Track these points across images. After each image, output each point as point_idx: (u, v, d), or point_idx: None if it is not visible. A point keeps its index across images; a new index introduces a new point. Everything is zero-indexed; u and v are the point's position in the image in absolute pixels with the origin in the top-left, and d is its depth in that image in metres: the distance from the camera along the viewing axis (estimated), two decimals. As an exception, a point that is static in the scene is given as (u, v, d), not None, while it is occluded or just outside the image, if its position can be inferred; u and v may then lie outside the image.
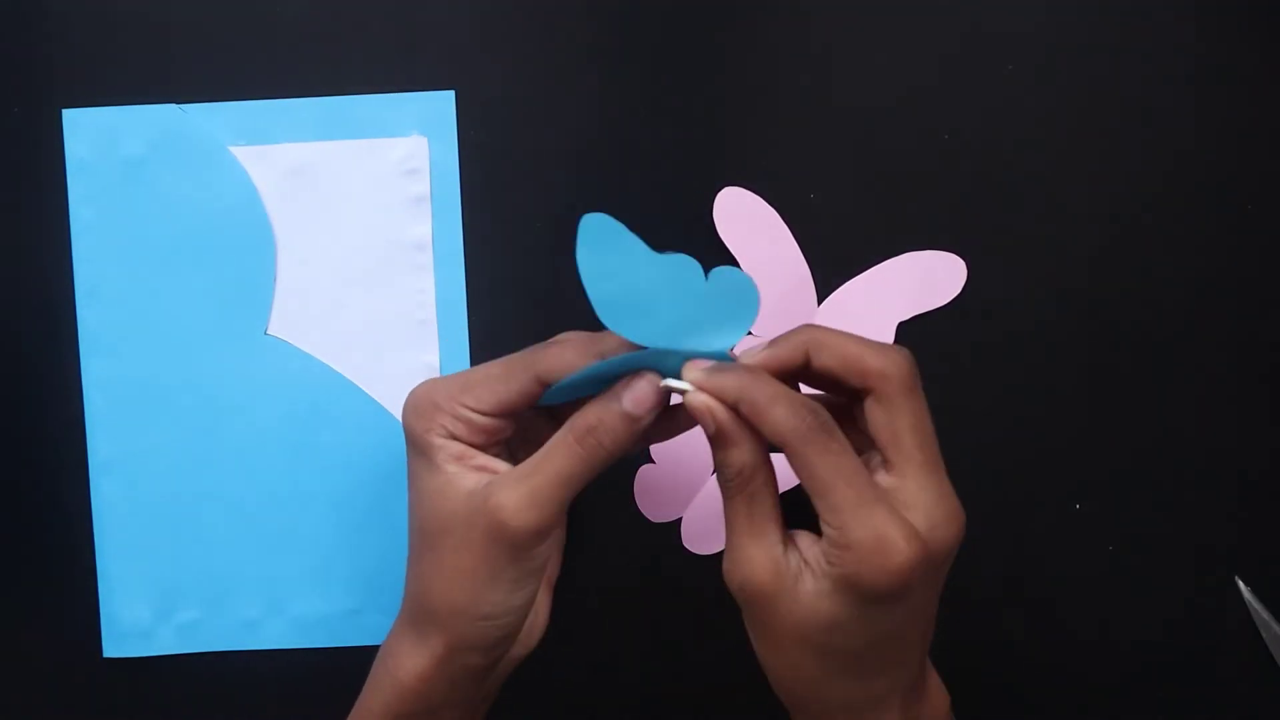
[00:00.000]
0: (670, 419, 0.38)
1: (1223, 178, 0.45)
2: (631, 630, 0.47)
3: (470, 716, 0.41)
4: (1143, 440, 0.46)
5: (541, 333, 0.35)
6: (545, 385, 0.36)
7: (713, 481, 0.46)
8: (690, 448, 0.46)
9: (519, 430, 0.39)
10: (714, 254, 0.45)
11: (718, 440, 0.35)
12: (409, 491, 0.39)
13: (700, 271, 0.34)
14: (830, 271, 0.45)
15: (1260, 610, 0.46)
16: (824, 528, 0.33)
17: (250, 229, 0.45)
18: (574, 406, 0.37)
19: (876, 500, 0.33)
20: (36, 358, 0.46)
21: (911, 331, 0.45)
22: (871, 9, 0.45)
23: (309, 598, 0.46)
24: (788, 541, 0.35)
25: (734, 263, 0.45)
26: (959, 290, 0.45)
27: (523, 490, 0.35)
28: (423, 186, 0.45)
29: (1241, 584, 0.46)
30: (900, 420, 0.34)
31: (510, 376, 0.37)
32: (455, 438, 0.37)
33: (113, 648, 0.46)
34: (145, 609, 0.46)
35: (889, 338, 0.45)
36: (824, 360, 0.35)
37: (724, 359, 0.35)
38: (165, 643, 0.46)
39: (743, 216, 0.45)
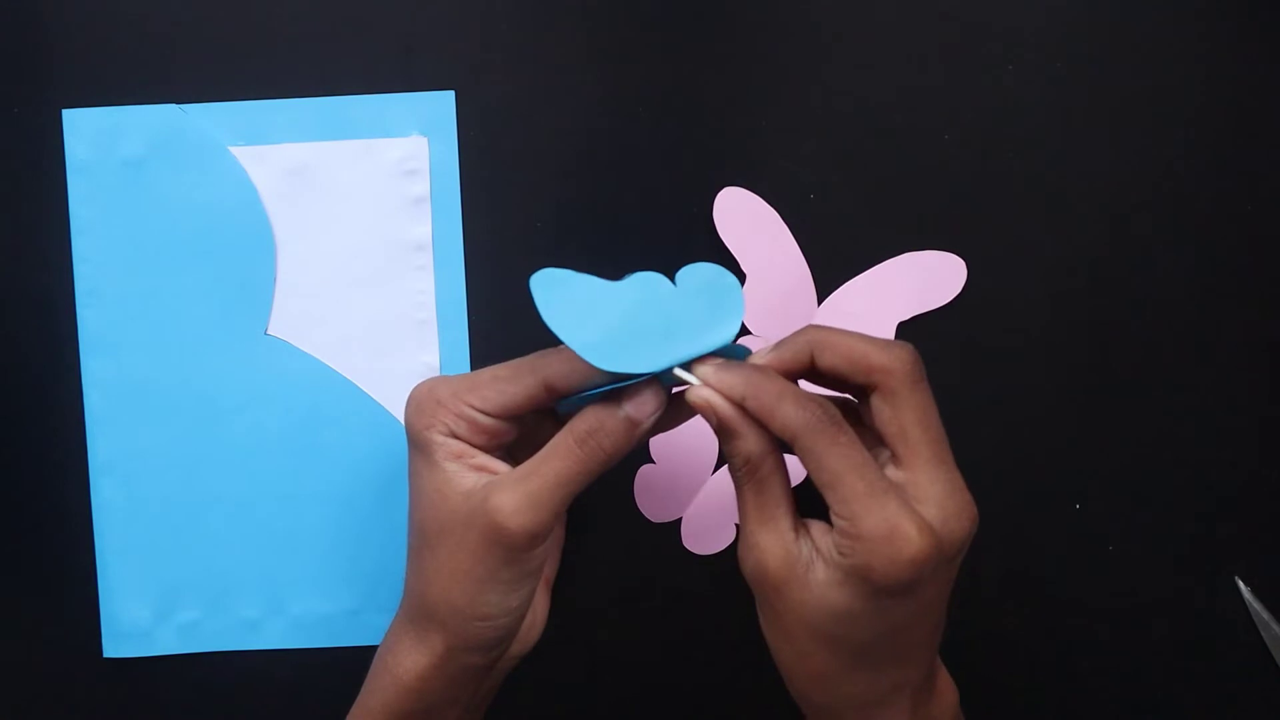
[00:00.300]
0: (672, 410, 0.38)
1: (1223, 178, 0.45)
2: (632, 630, 0.47)
3: (469, 715, 0.41)
4: (1142, 440, 0.46)
5: (542, 333, 0.35)
6: (552, 390, 0.36)
7: (713, 481, 0.46)
8: (690, 448, 0.46)
9: (520, 434, 0.39)
10: (714, 254, 0.45)
11: (722, 432, 0.35)
12: (409, 489, 0.39)
13: (664, 281, 0.35)
14: (830, 271, 0.45)
15: (1260, 610, 0.46)
16: (835, 519, 0.34)
17: (250, 229, 0.45)
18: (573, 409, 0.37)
19: (887, 491, 0.33)
20: (36, 358, 0.46)
21: (911, 331, 0.45)
22: (872, 9, 0.45)
23: (309, 598, 0.46)
24: (800, 530, 0.35)
25: (734, 262, 0.45)
26: (959, 290, 0.45)
27: (521, 492, 0.35)
28: (423, 187, 0.45)
29: (1241, 584, 0.46)
30: (906, 414, 0.35)
31: (517, 379, 0.37)
32: (456, 436, 0.37)
33: (113, 648, 0.46)
34: (145, 609, 0.46)
35: (889, 338, 0.45)
36: (828, 359, 0.35)
37: (736, 350, 0.36)
38: (165, 643, 0.46)
39: (743, 216, 0.45)
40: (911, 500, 0.34)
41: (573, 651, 0.46)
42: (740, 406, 0.34)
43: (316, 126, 0.45)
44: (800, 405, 0.34)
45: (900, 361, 0.35)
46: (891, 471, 0.35)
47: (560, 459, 0.36)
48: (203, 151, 0.45)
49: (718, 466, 0.46)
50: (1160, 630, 0.46)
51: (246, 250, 0.45)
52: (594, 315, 0.34)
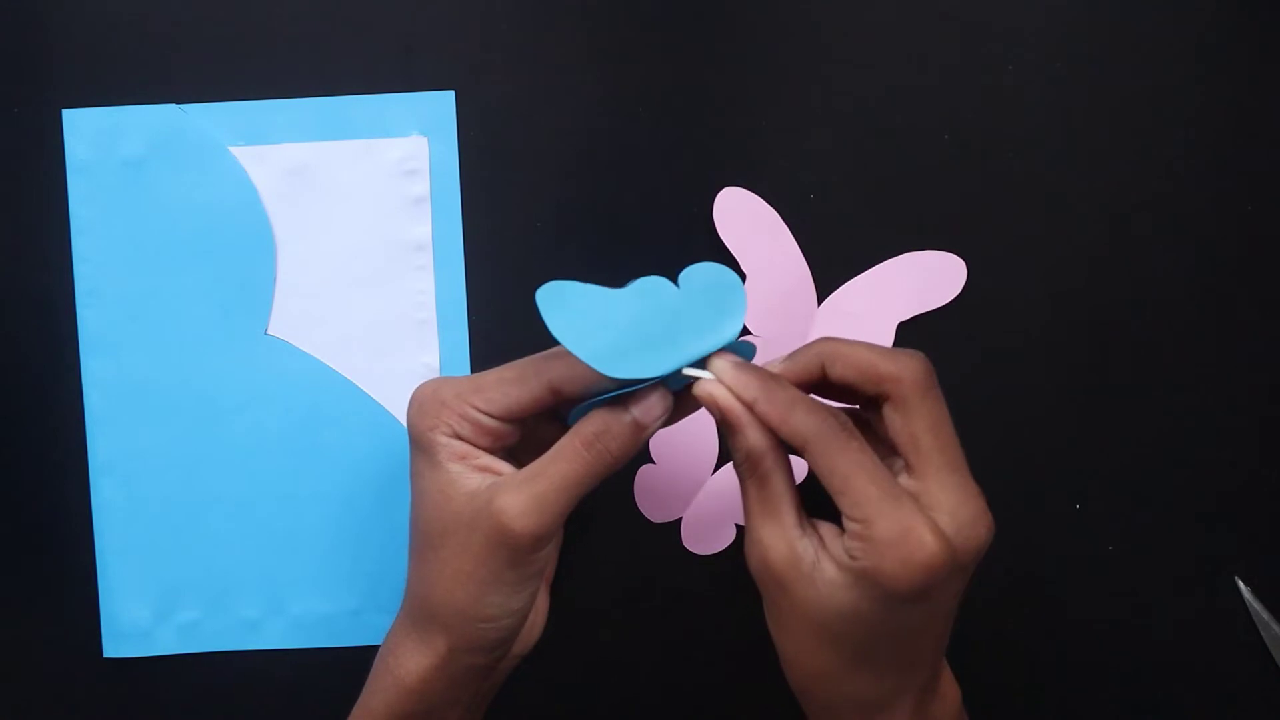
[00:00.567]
0: (677, 405, 0.38)
1: (1223, 178, 0.45)
2: (632, 631, 0.47)
3: (470, 716, 0.41)
4: (1142, 440, 0.46)
5: (542, 333, 0.35)
6: (557, 392, 0.36)
7: (713, 481, 0.46)
8: (690, 448, 0.46)
9: (523, 437, 0.39)
10: (714, 254, 0.45)
11: (724, 427, 0.35)
12: (411, 490, 0.39)
13: (667, 284, 0.35)
14: (830, 271, 0.45)
15: (1260, 610, 0.46)
16: (847, 524, 0.33)
17: (250, 229, 0.45)
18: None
19: (900, 496, 0.33)
20: (36, 358, 0.46)
21: (911, 331, 0.45)
22: (872, 9, 0.45)
23: (309, 598, 0.46)
24: (806, 527, 0.35)
25: (734, 262, 0.45)
26: (959, 290, 0.45)
27: (527, 494, 0.35)
28: (423, 187, 0.45)
29: (1241, 584, 0.46)
30: (918, 422, 0.35)
31: (523, 381, 0.37)
32: (460, 437, 0.37)
33: (113, 648, 0.46)
34: (145, 609, 0.46)
35: (889, 338, 0.45)
36: (839, 371, 0.35)
37: (740, 347, 0.36)
38: (165, 643, 0.46)
39: (743, 216, 0.45)
40: (925, 509, 0.33)
41: (573, 651, 0.46)
42: (745, 404, 0.35)
43: (316, 126, 0.45)
44: (811, 411, 0.34)
45: (911, 370, 0.35)
46: (904, 480, 0.35)
47: (567, 461, 0.36)
48: (203, 151, 0.45)
49: (718, 467, 0.46)
50: (1160, 630, 0.46)
51: (246, 250, 0.45)
52: (600, 324, 0.34)
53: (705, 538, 0.46)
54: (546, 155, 0.45)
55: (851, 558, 0.33)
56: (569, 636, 0.46)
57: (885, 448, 0.36)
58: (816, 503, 0.36)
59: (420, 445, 0.37)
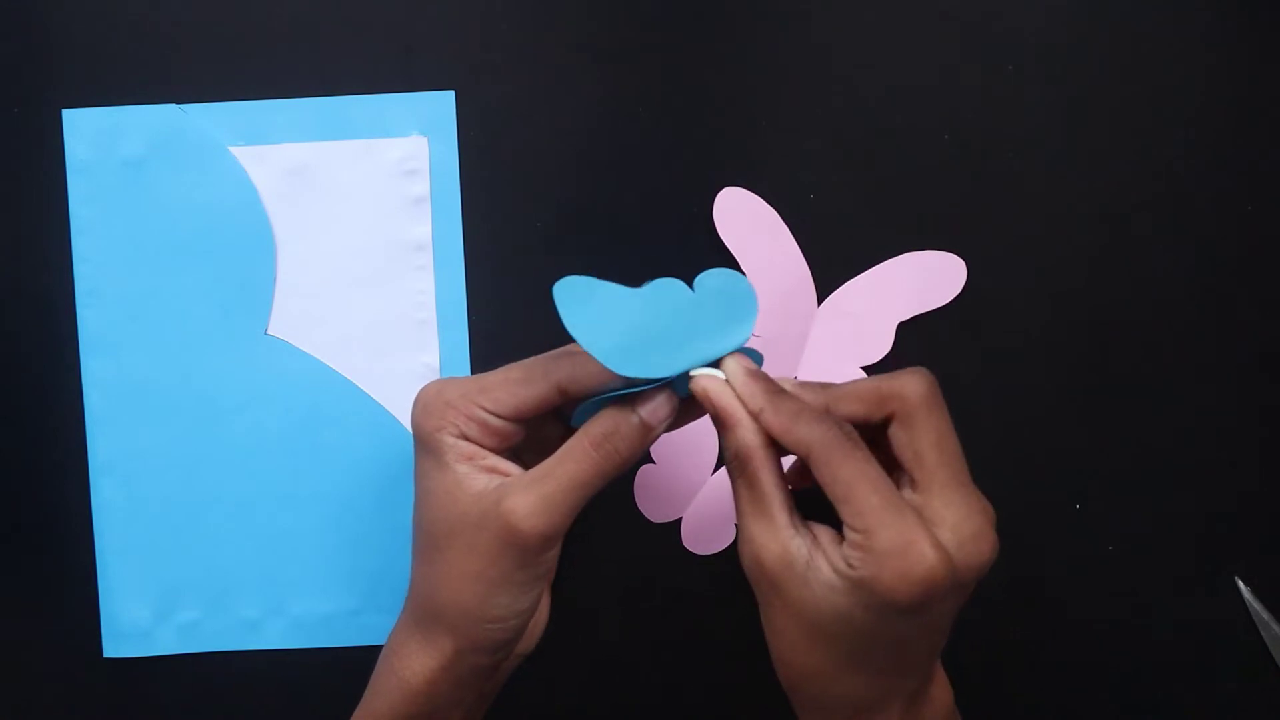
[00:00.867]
0: (682, 409, 0.38)
1: (1223, 178, 0.45)
2: (632, 630, 0.47)
3: (472, 716, 0.41)
4: (1142, 440, 0.46)
5: (542, 333, 0.35)
6: (564, 392, 0.37)
7: (713, 481, 0.46)
8: (690, 448, 0.46)
9: (527, 436, 0.39)
10: (714, 254, 0.45)
11: (716, 423, 0.35)
12: (416, 491, 0.38)
13: (683, 287, 0.35)
14: (830, 271, 0.45)
15: (1260, 610, 0.46)
16: (848, 533, 0.33)
17: (250, 229, 0.45)
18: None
19: (903, 508, 0.33)
20: (36, 358, 0.46)
21: (911, 331, 0.45)
22: (872, 9, 0.45)
23: (309, 598, 0.46)
24: (799, 527, 0.35)
25: (734, 262, 0.45)
26: (959, 290, 0.45)
27: (536, 494, 0.35)
28: (423, 187, 0.45)
29: (1241, 584, 0.46)
30: (922, 438, 0.35)
31: (530, 381, 0.37)
32: (466, 438, 0.37)
33: (113, 648, 0.46)
34: (145, 609, 0.46)
35: (889, 338, 0.45)
36: (845, 408, 0.36)
37: (748, 355, 0.36)
38: (165, 643, 0.46)
39: (743, 216, 0.45)
40: (927, 523, 0.33)
41: (573, 651, 0.46)
42: (751, 412, 0.35)
43: (316, 126, 0.45)
44: (816, 420, 0.34)
45: (914, 385, 0.35)
46: (908, 495, 0.35)
47: (575, 462, 0.36)
48: (203, 151, 0.45)
49: (718, 467, 0.46)
50: (1160, 630, 0.46)
51: (246, 250, 0.45)
52: (614, 322, 0.35)
53: (705, 538, 0.46)
54: (546, 155, 0.45)
55: (850, 566, 0.33)
56: (569, 636, 0.46)
57: (891, 469, 0.35)
58: (819, 512, 0.36)
59: (426, 446, 0.37)
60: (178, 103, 0.45)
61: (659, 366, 0.35)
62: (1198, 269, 0.46)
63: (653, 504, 0.46)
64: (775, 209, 0.45)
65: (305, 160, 0.45)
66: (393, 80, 0.45)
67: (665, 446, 0.46)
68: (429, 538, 0.38)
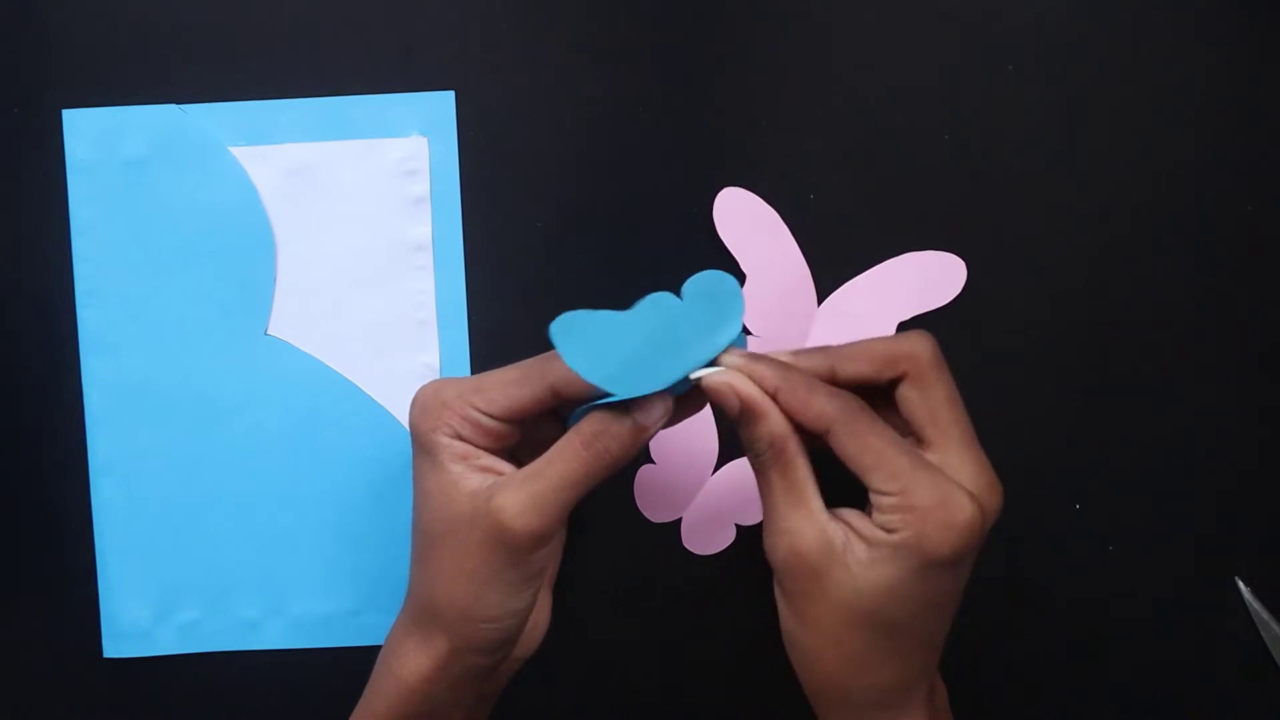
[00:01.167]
0: (679, 407, 0.38)
1: (1223, 178, 0.45)
2: (631, 630, 0.47)
3: (472, 717, 0.41)
4: (1142, 440, 0.46)
5: (542, 333, 0.35)
6: (558, 394, 0.37)
7: (713, 482, 0.46)
8: (690, 448, 0.46)
9: (523, 436, 0.39)
10: (714, 254, 0.45)
11: (745, 416, 0.35)
12: (413, 490, 0.39)
13: (673, 299, 0.35)
14: (830, 271, 0.45)
15: (1260, 610, 0.46)
16: (880, 499, 0.34)
17: (250, 229, 0.45)
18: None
19: (931, 466, 0.34)
20: (36, 358, 0.46)
21: (911, 331, 0.45)
22: (872, 9, 0.45)
23: (309, 598, 0.46)
24: (830, 513, 0.35)
25: (734, 263, 0.45)
26: (959, 290, 0.45)
27: (526, 493, 0.35)
28: (423, 187, 0.45)
29: (1241, 584, 0.46)
30: (936, 395, 0.36)
31: (525, 382, 0.37)
32: (461, 438, 0.37)
33: (113, 648, 0.46)
34: (145, 609, 0.46)
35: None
36: (851, 369, 0.36)
37: (740, 346, 0.36)
38: (165, 643, 0.46)
39: (743, 216, 0.45)
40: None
41: (572, 651, 0.46)
42: (767, 393, 0.35)
43: (317, 127, 0.45)
44: (833, 394, 0.35)
45: (925, 346, 0.36)
46: (924, 454, 0.36)
47: (566, 461, 0.36)
48: (203, 152, 0.45)
49: (718, 467, 0.46)
50: (1160, 630, 0.46)
51: (246, 250, 0.45)
52: (612, 348, 0.35)
53: (705, 538, 0.46)
54: (546, 155, 0.45)
55: (888, 531, 0.34)
56: (569, 637, 0.46)
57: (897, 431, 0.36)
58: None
59: (422, 446, 0.37)
60: (178, 103, 0.45)
61: (659, 379, 0.35)
62: (1198, 269, 0.46)
63: (653, 504, 0.46)
64: (775, 209, 0.45)
65: (305, 160, 0.45)
66: (393, 80, 0.45)
67: (665, 446, 0.46)
68: (425, 537, 0.38)
